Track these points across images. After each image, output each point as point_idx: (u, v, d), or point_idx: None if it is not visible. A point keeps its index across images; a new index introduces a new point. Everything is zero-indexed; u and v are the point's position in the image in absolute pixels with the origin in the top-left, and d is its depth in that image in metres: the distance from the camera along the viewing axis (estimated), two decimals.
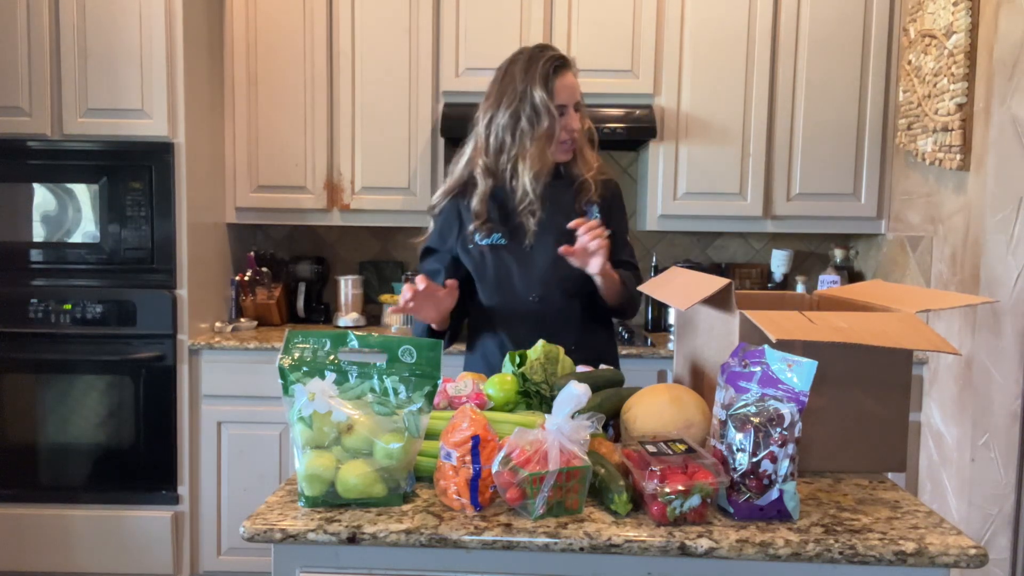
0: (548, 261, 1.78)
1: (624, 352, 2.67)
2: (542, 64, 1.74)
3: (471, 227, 1.79)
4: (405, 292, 1.61)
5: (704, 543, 1.08)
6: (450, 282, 1.70)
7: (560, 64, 1.75)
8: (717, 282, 1.39)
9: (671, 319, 3.15)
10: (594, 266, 1.65)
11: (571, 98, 1.75)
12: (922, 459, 2.71)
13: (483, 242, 1.80)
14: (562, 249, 1.64)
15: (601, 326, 1.93)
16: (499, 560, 1.13)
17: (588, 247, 1.62)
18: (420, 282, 1.60)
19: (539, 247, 1.79)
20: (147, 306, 2.70)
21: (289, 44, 2.97)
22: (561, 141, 1.76)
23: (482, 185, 1.77)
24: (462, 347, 2.71)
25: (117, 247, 2.70)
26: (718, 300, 1.42)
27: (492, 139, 1.76)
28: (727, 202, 2.97)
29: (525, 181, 1.74)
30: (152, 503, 2.75)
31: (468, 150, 1.83)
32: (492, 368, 1.82)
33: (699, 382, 1.54)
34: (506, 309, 1.83)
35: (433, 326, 1.80)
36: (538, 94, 1.71)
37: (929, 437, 2.67)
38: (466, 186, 1.82)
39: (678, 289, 1.51)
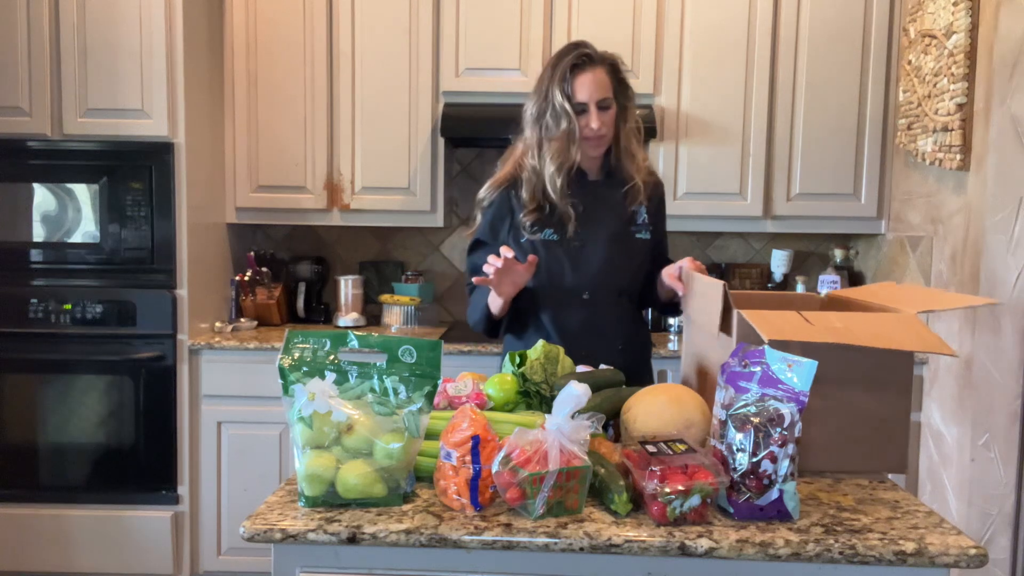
0: (600, 259, 1.81)
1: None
2: (562, 63, 1.75)
3: (521, 216, 1.81)
4: (490, 265, 1.62)
5: (704, 543, 1.08)
6: (531, 257, 1.70)
7: (580, 62, 1.74)
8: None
9: (671, 319, 3.15)
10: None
11: (592, 96, 1.73)
12: (922, 459, 2.71)
13: (535, 236, 1.81)
14: (668, 277, 1.69)
15: (643, 325, 1.97)
16: (499, 560, 1.13)
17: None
18: (505, 252, 1.61)
19: (591, 245, 1.82)
20: (147, 306, 2.70)
21: (289, 44, 2.97)
22: (585, 138, 1.76)
23: (528, 177, 1.80)
24: (462, 347, 2.74)
25: (117, 247, 2.70)
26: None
27: (527, 134, 1.81)
28: (727, 202, 2.97)
29: (548, 176, 1.76)
30: (152, 503, 2.75)
31: (519, 145, 1.86)
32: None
33: (703, 382, 1.54)
34: (556, 304, 1.84)
35: (494, 312, 1.80)
36: (556, 94, 1.73)
37: (929, 437, 2.67)
38: (515, 180, 1.84)
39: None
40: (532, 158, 1.79)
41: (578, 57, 1.75)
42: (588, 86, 1.73)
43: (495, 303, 1.77)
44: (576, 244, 1.81)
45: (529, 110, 1.80)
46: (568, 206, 1.78)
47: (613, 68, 1.79)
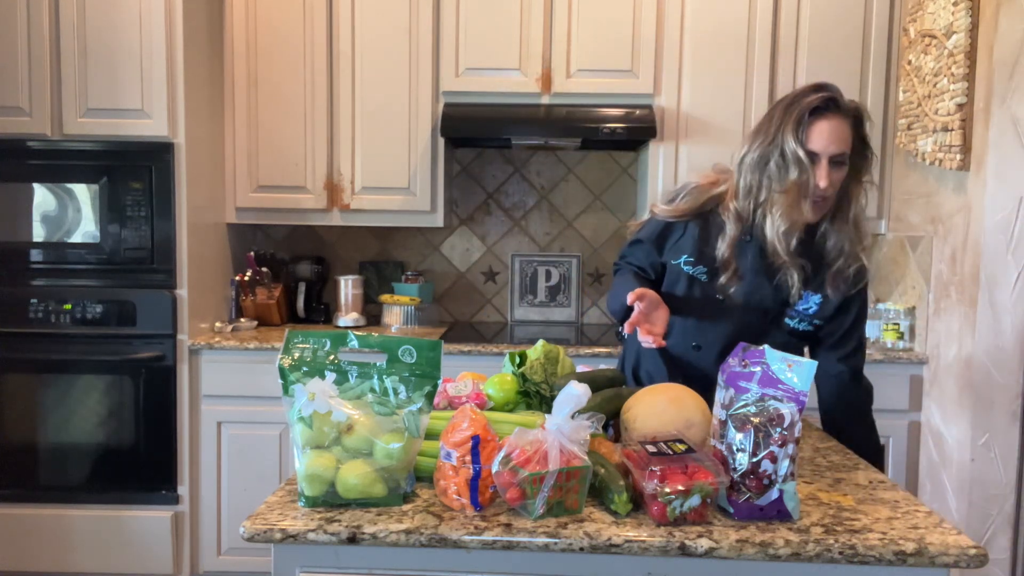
0: (727, 324, 1.64)
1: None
2: (801, 105, 1.50)
3: (722, 279, 1.61)
4: (641, 331, 1.48)
5: (704, 543, 1.08)
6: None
7: (821, 107, 1.49)
8: None
9: None
10: None
11: (827, 148, 1.48)
12: (922, 459, 2.71)
13: (686, 268, 1.66)
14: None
15: None
16: (499, 560, 1.13)
17: None
18: (636, 299, 1.48)
19: (730, 305, 1.63)
20: (147, 306, 2.70)
21: (289, 44, 2.97)
22: (813, 198, 1.50)
23: (731, 230, 1.59)
24: (462, 347, 2.74)
25: (117, 247, 2.70)
26: None
27: (742, 178, 1.58)
28: None
29: (771, 234, 1.54)
30: (152, 503, 2.74)
31: (720, 183, 1.66)
32: (639, 362, 1.77)
33: None
34: (667, 333, 1.63)
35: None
36: (789, 139, 1.49)
37: (929, 437, 2.67)
38: (699, 215, 1.66)
39: None
40: (741, 205, 1.58)
41: (822, 100, 1.50)
42: (825, 135, 1.48)
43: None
44: (719, 296, 1.63)
45: (749, 154, 1.55)
46: (791, 270, 1.55)
47: (857, 122, 1.54)
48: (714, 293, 1.64)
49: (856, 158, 1.55)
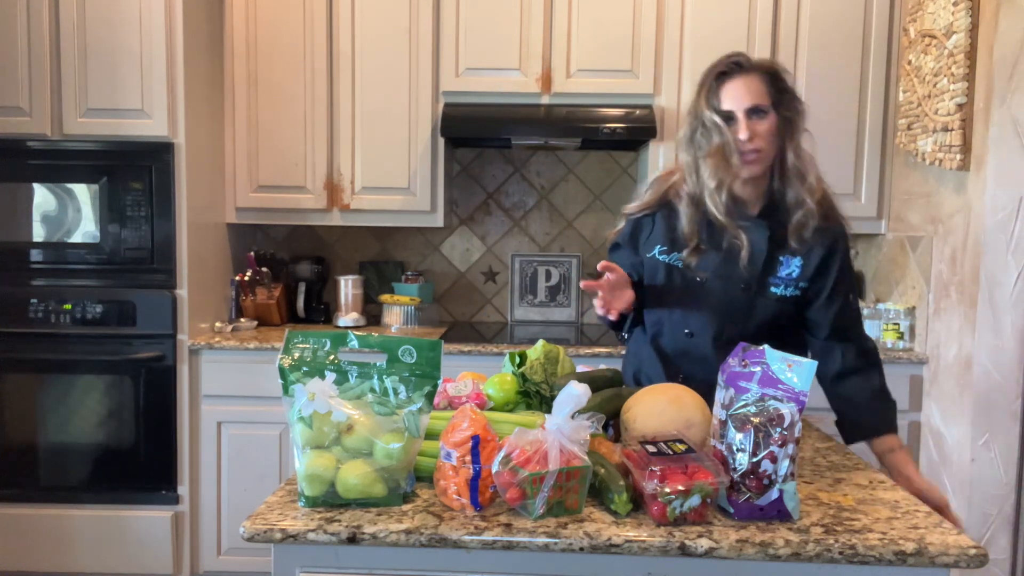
0: (711, 303, 1.64)
1: (622, 352, 2.66)
2: (710, 75, 1.58)
3: (683, 253, 1.65)
4: (598, 299, 1.52)
5: (704, 543, 1.08)
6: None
7: (727, 71, 1.56)
8: None
9: None
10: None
11: (739, 103, 1.54)
12: (922, 459, 2.71)
13: (661, 257, 1.67)
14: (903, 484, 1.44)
15: None
16: (499, 560, 1.13)
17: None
18: (604, 269, 1.51)
19: (712, 284, 1.63)
20: (147, 306, 2.70)
21: (289, 44, 2.97)
22: (740, 152, 1.54)
23: (685, 207, 1.64)
24: (462, 347, 2.74)
25: (117, 247, 2.70)
26: None
27: (682, 159, 1.65)
28: None
29: (709, 196, 1.58)
30: (152, 503, 2.74)
31: (675, 171, 1.71)
32: (640, 366, 1.77)
33: None
34: (661, 329, 1.71)
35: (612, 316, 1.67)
36: (704, 108, 1.56)
37: (929, 437, 2.67)
38: (663, 204, 1.69)
39: None
40: (689, 184, 1.62)
41: (726, 64, 1.57)
42: (735, 93, 1.54)
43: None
44: (699, 279, 1.64)
45: (682, 132, 1.63)
46: (739, 231, 1.59)
47: (772, 76, 1.58)
48: (693, 276, 1.65)
49: (783, 110, 1.58)
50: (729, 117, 1.55)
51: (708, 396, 1.41)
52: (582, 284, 1.54)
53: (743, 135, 1.53)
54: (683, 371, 1.67)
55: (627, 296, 1.60)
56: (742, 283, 1.62)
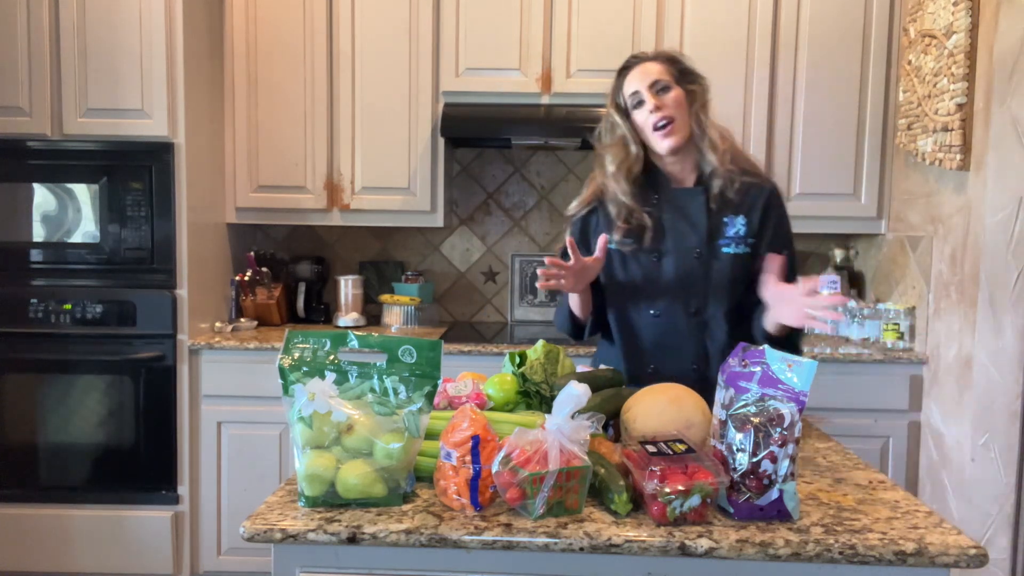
0: (671, 276, 1.70)
1: None
2: (615, 79, 1.72)
3: (615, 236, 1.73)
4: (546, 270, 1.56)
5: (704, 543, 1.08)
6: (601, 247, 1.64)
7: (627, 65, 1.71)
8: None
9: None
10: (797, 320, 1.49)
11: (643, 82, 1.65)
12: (922, 459, 2.71)
13: (613, 247, 1.73)
14: (770, 290, 1.53)
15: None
16: (499, 560, 1.13)
17: (804, 309, 1.45)
18: (569, 244, 1.57)
19: (667, 259, 1.71)
20: (147, 306, 2.70)
21: (289, 44, 2.97)
22: (654, 131, 1.64)
23: (610, 196, 1.74)
24: (462, 347, 2.74)
25: (117, 247, 2.70)
26: None
27: (601, 152, 1.76)
28: None
29: (611, 178, 1.71)
30: (152, 503, 2.74)
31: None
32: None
33: None
34: (627, 320, 1.76)
35: (576, 313, 1.76)
36: (610, 106, 1.71)
37: (929, 437, 2.67)
38: (599, 199, 1.78)
39: None
40: (598, 175, 1.75)
41: (626, 61, 1.72)
42: (636, 76, 1.67)
43: (574, 302, 1.74)
44: (653, 258, 1.71)
45: (596, 131, 1.76)
46: (644, 215, 1.69)
47: (670, 60, 1.70)
48: (647, 257, 1.72)
49: (687, 84, 1.68)
50: (639, 101, 1.66)
51: (694, 375, 1.55)
52: (547, 260, 1.58)
53: (651, 105, 1.63)
54: (653, 362, 1.72)
55: (587, 279, 1.66)
56: (695, 252, 1.69)
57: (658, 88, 1.65)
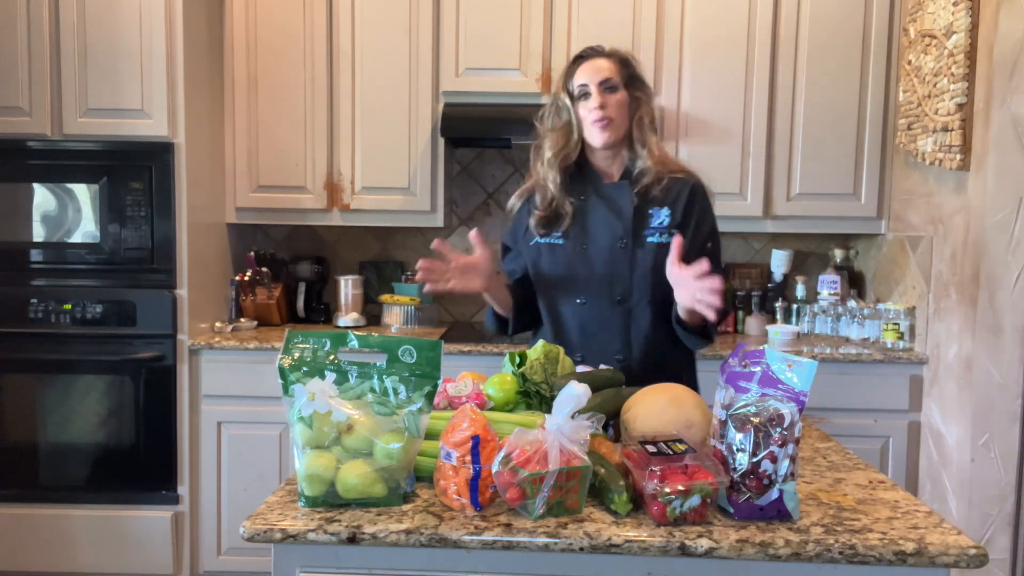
0: (597, 265, 1.75)
1: None
2: (568, 63, 1.78)
3: (531, 221, 1.79)
4: (422, 274, 1.59)
5: (704, 543, 1.08)
6: (474, 240, 1.67)
7: (584, 55, 1.76)
8: None
9: None
10: (688, 302, 1.53)
11: (592, 78, 1.71)
12: (922, 459, 2.71)
13: (542, 240, 1.79)
14: (672, 274, 1.56)
15: (664, 337, 1.77)
16: (499, 560, 1.13)
17: (695, 292, 1.48)
18: (436, 246, 1.60)
19: (592, 249, 1.76)
20: (147, 306, 2.70)
21: (289, 44, 2.97)
22: (593, 123, 1.71)
23: (537, 182, 1.80)
24: (462, 347, 2.74)
25: (117, 247, 2.70)
26: None
27: (541, 140, 1.80)
28: (727, 202, 2.97)
29: (545, 166, 1.76)
30: (152, 503, 2.74)
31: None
32: None
33: None
34: (555, 310, 1.81)
35: (497, 310, 1.83)
36: (560, 91, 1.75)
37: (929, 437, 2.67)
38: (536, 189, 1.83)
39: None
40: (537, 160, 1.79)
41: (583, 51, 1.77)
42: (589, 70, 1.72)
43: (491, 300, 1.80)
44: (580, 248, 1.76)
45: (540, 113, 1.81)
46: (568, 204, 1.75)
47: (623, 61, 1.76)
48: (574, 248, 1.77)
49: (633, 90, 1.75)
50: (585, 94, 1.71)
51: (618, 364, 1.61)
52: (420, 263, 1.60)
53: (595, 102, 1.69)
54: (580, 351, 1.76)
55: (475, 283, 1.68)
56: (620, 241, 1.74)
57: (606, 86, 1.71)
